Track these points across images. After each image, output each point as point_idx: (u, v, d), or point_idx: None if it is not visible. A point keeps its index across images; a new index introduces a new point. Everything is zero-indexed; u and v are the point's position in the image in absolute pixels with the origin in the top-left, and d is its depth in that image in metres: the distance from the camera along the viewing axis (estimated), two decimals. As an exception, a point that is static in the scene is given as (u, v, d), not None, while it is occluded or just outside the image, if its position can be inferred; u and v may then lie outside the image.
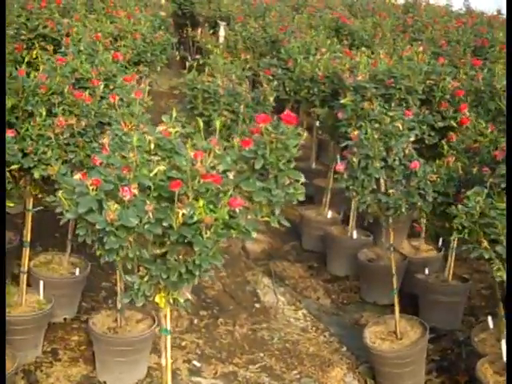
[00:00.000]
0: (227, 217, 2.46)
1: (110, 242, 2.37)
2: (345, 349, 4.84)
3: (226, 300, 5.37)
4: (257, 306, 5.34)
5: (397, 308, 4.37)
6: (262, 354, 4.70)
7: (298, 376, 4.49)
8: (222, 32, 9.48)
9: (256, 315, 5.20)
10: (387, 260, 5.45)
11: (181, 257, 2.50)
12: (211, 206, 2.51)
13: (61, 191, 2.50)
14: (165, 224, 2.44)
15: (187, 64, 5.60)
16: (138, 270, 2.57)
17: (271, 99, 5.22)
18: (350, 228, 5.87)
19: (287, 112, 2.74)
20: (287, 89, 6.38)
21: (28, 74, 4.43)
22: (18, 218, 5.34)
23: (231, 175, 2.66)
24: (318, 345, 4.87)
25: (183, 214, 2.42)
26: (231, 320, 5.07)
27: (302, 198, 2.77)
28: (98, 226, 2.35)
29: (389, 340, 4.34)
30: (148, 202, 2.43)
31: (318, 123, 6.83)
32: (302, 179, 2.74)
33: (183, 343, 4.67)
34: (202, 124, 2.95)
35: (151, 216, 2.42)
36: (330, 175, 6.45)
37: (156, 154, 2.64)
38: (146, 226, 2.42)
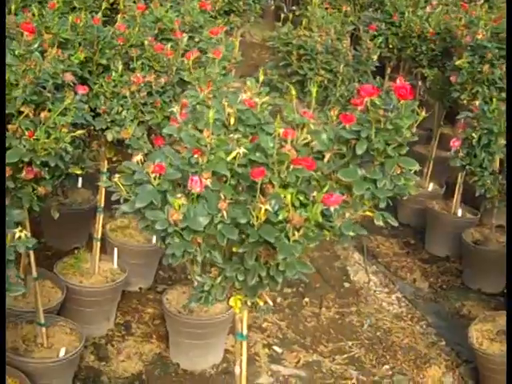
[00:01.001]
0: (320, 218, 1.96)
1: (174, 246, 1.93)
2: (443, 343, 4.31)
3: (313, 276, 4.89)
4: (346, 285, 4.87)
5: (511, 306, 3.79)
6: (350, 343, 4.24)
7: (390, 372, 4.01)
8: (321, -20, 8.79)
9: (345, 296, 4.73)
10: (497, 243, 4.87)
11: (262, 258, 2.04)
12: (301, 198, 2.03)
13: (117, 176, 2.07)
14: (242, 221, 1.97)
15: (282, 15, 5.08)
16: (210, 270, 2.13)
17: (375, 58, 4.64)
18: (455, 204, 5.26)
19: (400, 81, 2.18)
20: (390, 46, 5.74)
21: (110, 22, 4.04)
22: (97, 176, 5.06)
23: (326, 158, 2.16)
24: (414, 336, 4.36)
25: (266, 210, 1.95)
26: (317, 300, 4.63)
27: (414, 192, 2.24)
28: (158, 226, 1.91)
29: (498, 341, 3.79)
30: (223, 195, 1.96)
31: (420, 84, 6.16)
32: (417, 167, 2.20)
33: (264, 324, 4.27)
34: (294, 92, 2.43)
35: (225, 215, 1.95)
36: (433, 142, 5.83)
37: (237, 130, 2.16)
38: (218, 227, 1.95)
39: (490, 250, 4.83)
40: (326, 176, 2.15)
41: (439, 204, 5.44)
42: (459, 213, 5.22)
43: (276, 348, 4.13)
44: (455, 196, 5.25)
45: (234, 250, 2.09)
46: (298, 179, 2.03)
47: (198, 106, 2.29)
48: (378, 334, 4.36)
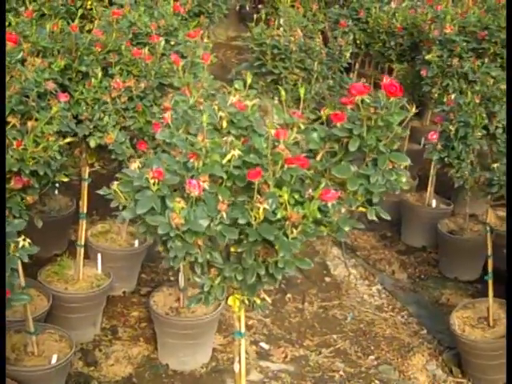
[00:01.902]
0: (318, 213, 2.02)
1: (176, 249, 1.97)
2: (425, 331, 4.41)
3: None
4: (327, 280, 4.94)
5: (491, 293, 3.90)
6: (334, 336, 4.32)
7: (376, 362, 4.10)
8: (285, -22, 8.87)
9: (326, 290, 4.81)
10: (471, 232, 5.00)
11: (260, 257, 2.09)
12: (296, 197, 2.08)
13: (116, 183, 2.10)
14: (241, 221, 2.02)
15: (247, 14, 5.13)
16: (208, 271, 2.17)
17: (347, 55, 4.71)
18: (428, 195, 5.37)
19: (388, 80, 2.25)
20: (358, 42, 5.84)
21: (82, 28, 4.05)
22: (73, 182, 5.05)
23: (318, 156, 2.22)
24: (396, 326, 4.46)
25: (264, 209, 2.00)
26: (300, 296, 4.70)
27: (406, 187, 2.31)
28: (160, 231, 1.95)
29: (479, 328, 3.90)
30: (220, 197, 2.01)
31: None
32: (408, 162, 2.27)
33: (249, 322, 4.32)
34: (284, 93, 2.49)
35: (225, 216, 2.00)
36: (404, 136, 5.93)
37: (229, 133, 2.20)
38: (218, 228, 2.00)
39: (465, 239, 4.95)
40: (319, 174, 2.21)
41: (413, 196, 5.55)
42: (433, 204, 5.33)
43: (263, 344, 4.19)
44: (429, 188, 5.36)
45: (233, 250, 2.13)
46: (293, 178, 2.09)
47: (189, 111, 2.32)
48: (362, 326, 4.44)
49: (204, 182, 2.00)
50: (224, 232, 2.00)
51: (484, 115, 3.36)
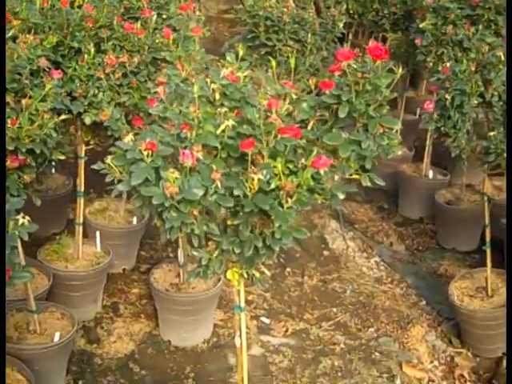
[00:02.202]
0: (311, 181, 2.02)
1: (171, 219, 1.97)
2: (424, 303, 4.43)
3: (292, 246, 4.97)
4: (325, 253, 4.96)
5: (489, 263, 3.91)
6: (334, 309, 4.34)
7: (376, 334, 4.13)
8: None
9: (325, 264, 4.82)
10: (468, 203, 5.00)
11: (256, 229, 2.09)
12: (291, 166, 2.08)
13: (110, 157, 2.09)
14: (236, 192, 2.02)
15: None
16: (206, 244, 2.17)
17: (341, 25, 4.67)
18: (425, 166, 5.36)
19: (373, 43, 2.24)
20: (351, 11, 5.78)
21: (72, 4, 4.00)
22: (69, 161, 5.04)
23: (309, 125, 2.21)
24: (395, 298, 4.48)
25: (259, 180, 2.00)
26: (299, 270, 4.71)
27: (399, 152, 2.30)
28: (155, 201, 1.95)
29: (478, 298, 3.92)
30: (215, 167, 2.00)
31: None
32: (398, 126, 2.26)
33: (250, 297, 4.34)
34: (274, 64, 2.47)
35: (219, 185, 2.00)
36: (400, 106, 5.92)
37: (222, 105, 2.19)
38: (213, 197, 2.00)
39: (462, 210, 4.95)
40: (311, 143, 2.20)
41: (410, 167, 5.54)
42: (430, 175, 5.32)
43: (263, 319, 4.21)
44: (425, 158, 5.34)
45: (229, 222, 2.14)
46: (286, 148, 2.08)
47: (181, 84, 2.31)
48: (361, 298, 4.46)
49: (197, 151, 1.99)
50: (219, 201, 2.00)
51: (480, 83, 3.34)
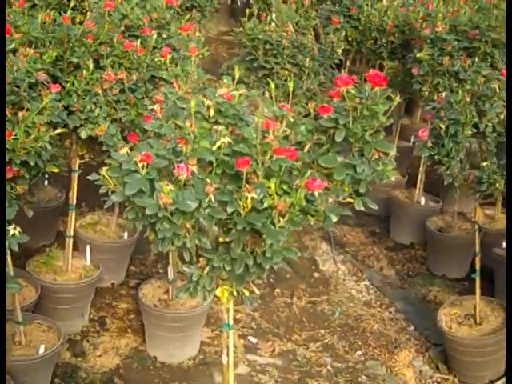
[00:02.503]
0: (304, 202, 2.04)
1: (164, 230, 1.98)
2: (412, 328, 4.44)
3: (283, 267, 4.98)
4: (315, 275, 4.97)
5: (478, 290, 3.93)
6: (322, 331, 4.34)
7: (363, 358, 4.13)
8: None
9: (315, 286, 4.83)
10: (459, 230, 5.03)
11: (248, 247, 2.11)
12: (285, 187, 2.10)
13: (105, 168, 2.11)
14: (230, 209, 2.04)
15: (235, 8, 5.13)
16: (197, 261, 2.19)
17: (339, 52, 4.73)
18: (418, 193, 5.40)
19: (373, 71, 2.28)
20: (349, 39, 5.86)
21: (73, 20, 4.05)
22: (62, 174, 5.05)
23: (306, 148, 2.24)
24: (383, 322, 4.49)
25: (252, 198, 2.02)
26: (289, 291, 4.72)
27: (393, 177, 2.33)
28: (148, 212, 1.96)
29: (466, 325, 3.93)
30: (209, 181, 2.02)
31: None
32: (394, 152, 2.29)
33: (238, 316, 4.34)
34: (273, 86, 2.51)
35: (213, 199, 2.02)
36: (395, 132, 5.98)
37: (217, 122, 2.22)
38: (206, 211, 2.02)
39: (454, 237, 4.98)
40: (307, 165, 2.23)
41: (402, 193, 5.58)
42: (422, 201, 5.36)
43: (251, 338, 4.20)
44: (418, 185, 5.39)
45: (221, 239, 2.15)
46: (281, 169, 2.11)
47: (177, 102, 2.34)
48: (349, 321, 4.47)
49: (192, 165, 2.02)
50: (212, 214, 2.02)
51: (474, 113, 3.39)
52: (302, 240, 5.38)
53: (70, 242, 4.06)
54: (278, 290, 4.70)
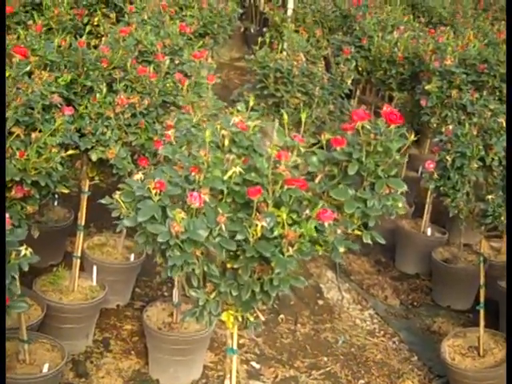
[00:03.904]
0: (314, 232, 2.07)
1: (174, 258, 2.01)
2: (416, 358, 4.43)
3: (287, 293, 4.99)
4: (320, 302, 4.97)
5: (482, 322, 3.93)
6: (325, 359, 4.34)
7: (365, 387, 4.13)
8: (290, 4, 8.96)
9: (319, 313, 4.83)
10: (465, 262, 5.04)
11: (255, 274, 2.14)
12: (294, 217, 2.13)
13: (118, 193, 2.15)
14: (239, 237, 2.07)
15: (251, 36, 5.21)
16: (204, 285, 2.21)
17: (349, 81, 4.79)
18: (424, 223, 5.42)
19: (389, 108, 2.31)
20: (360, 69, 5.93)
21: (88, 44, 4.12)
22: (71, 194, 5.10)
23: (317, 179, 2.27)
24: (387, 352, 4.48)
25: (262, 227, 2.05)
26: (293, 317, 4.72)
27: (402, 212, 2.36)
28: (160, 239, 1.99)
29: (470, 357, 3.92)
30: (220, 210, 2.06)
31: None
32: (404, 188, 2.32)
33: (241, 341, 4.34)
34: (286, 117, 2.54)
35: (224, 228, 2.05)
36: (403, 163, 6.00)
37: (230, 151, 2.26)
38: (216, 239, 2.05)
39: (459, 268, 4.99)
40: (317, 196, 2.26)
41: (409, 223, 5.59)
42: (428, 232, 5.37)
43: (254, 364, 4.20)
44: (424, 216, 5.41)
45: (229, 265, 2.18)
46: (291, 199, 2.14)
47: (192, 129, 2.38)
48: (353, 349, 4.46)
49: (205, 194, 2.05)
50: (222, 244, 2.05)
51: (481, 147, 3.42)
52: (307, 267, 5.39)
53: (77, 263, 4.09)
54: (281, 316, 4.70)
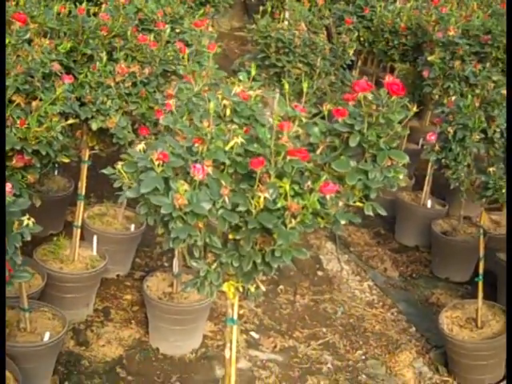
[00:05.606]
0: (318, 205, 2.06)
1: (177, 230, 2.01)
2: (414, 329, 4.46)
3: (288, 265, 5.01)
4: (319, 273, 4.99)
5: (480, 294, 3.95)
6: (324, 329, 4.37)
7: (364, 357, 4.15)
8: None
9: (318, 284, 4.85)
10: (464, 234, 5.05)
11: (257, 245, 2.13)
12: (296, 188, 2.12)
13: (120, 163, 2.14)
14: (241, 208, 2.06)
15: (249, 4, 5.15)
16: (205, 256, 2.21)
17: (351, 52, 4.74)
18: (424, 195, 5.41)
19: (391, 78, 2.29)
20: (361, 39, 5.86)
21: (88, 12, 4.07)
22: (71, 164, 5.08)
23: (319, 150, 2.26)
24: (385, 323, 4.51)
25: (265, 198, 2.04)
26: (292, 288, 4.74)
27: (403, 184, 2.35)
28: (163, 211, 1.99)
29: (468, 328, 3.95)
30: (223, 182, 2.05)
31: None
32: (406, 160, 2.31)
33: (241, 311, 4.36)
34: (287, 86, 2.52)
35: (227, 201, 2.04)
36: (404, 135, 5.97)
37: (232, 121, 2.24)
38: (220, 212, 2.04)
39: (459, 241, 5.00)
40: (319, 167, 2.25)
41: (409, 195, 5.58)
42: (428, 204, 5.37)
43: (253, 334, 4.23)
44: (425, 188, 5.40)
45: (231, 236, 2.17)
46: (293, 170, 2.13)
47: (193, 99, 2.36)
48: (351, 320, 4.49)
49: (208, 166, 2.04)
50: (225, 216, 2.04)
51: (483, 119, 3.40)
52: (307, 238, 5.39)
53: (77, 232, 4.09)
54: (281, 287, 4.73)
